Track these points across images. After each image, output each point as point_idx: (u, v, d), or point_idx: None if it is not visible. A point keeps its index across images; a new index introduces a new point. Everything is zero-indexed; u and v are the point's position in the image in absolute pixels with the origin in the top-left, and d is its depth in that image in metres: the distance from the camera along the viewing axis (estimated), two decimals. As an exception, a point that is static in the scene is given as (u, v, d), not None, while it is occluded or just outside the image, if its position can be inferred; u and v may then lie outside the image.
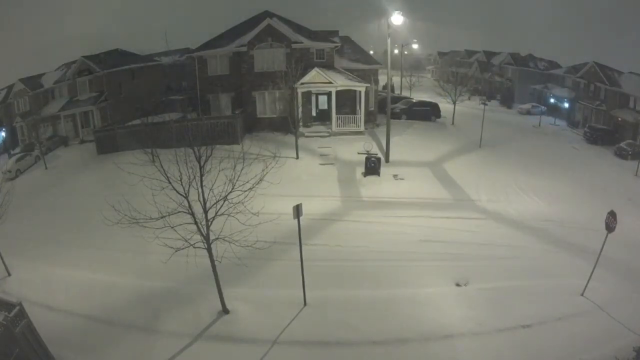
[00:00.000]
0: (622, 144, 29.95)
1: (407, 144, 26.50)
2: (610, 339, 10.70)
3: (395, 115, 31.40)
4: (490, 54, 58.82)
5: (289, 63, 26.16)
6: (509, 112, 44.36)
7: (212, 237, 10.67)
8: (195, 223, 10.35)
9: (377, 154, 22.61)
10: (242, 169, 10.64)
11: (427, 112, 33.42)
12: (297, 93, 25.88)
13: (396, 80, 47.84)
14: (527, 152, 28.02)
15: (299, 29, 28.46)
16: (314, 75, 26.37)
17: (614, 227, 12.05)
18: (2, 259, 14.04)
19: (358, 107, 27.98)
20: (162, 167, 10.21)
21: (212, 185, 10.43)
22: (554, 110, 42.06)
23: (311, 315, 11.62)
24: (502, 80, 52.69)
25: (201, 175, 10.21)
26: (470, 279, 13.38)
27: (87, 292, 12.88)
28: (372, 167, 21.59)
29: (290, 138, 24.66)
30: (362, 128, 27.63)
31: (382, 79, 37.71)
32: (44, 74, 36.64)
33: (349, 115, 27.74)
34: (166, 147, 13.71)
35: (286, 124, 24.13)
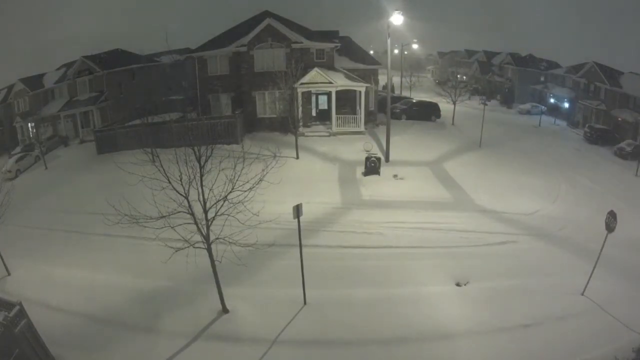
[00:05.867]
0: (622, 144, 29.98)
1: (407, 143, 26.50)
2: (611, 339, 10.70)
3: (395, 115, 31.43)
4: (490, 54, 58.86)
5: (289, 63, 26.14)
6: (509, 112, 44.35)
7: (212, 237, 10.67)
8: (195, 223, 10.35)
9: (377, 154, 22.61)
10: (242, 169, 10.63)
11: (427, 112, 33.43)
12: (297, 93, 25.87)
13: (396, 80, 47.81)
14: (527, 151, 28.03)
15: (299, 29, 28.46)
16: (314, 75, 26.37)
17: (614, 227, 12.05)
18: (2, 259, 14.03)
19: (358, 107, 27.98)
20: (162, 167, 10.20)
21: (212, 185, 10.43)
22: (554, 110, 42.07)
23: (311, 314, 11.62)
24: (502, 80, 52.70)
25: (201, 175, 10.20)
26: (470, 278, 13.38)
27: (87, 292, 12.87)
28: (372, 166, 21.60)
29: (290, 138, 24.66)
30: (362, 128, 27.64)
31: (382, 79, 37.71)
32: (44, 74, 36.68)
33: (349, 115, 27.74)
34: (166, 147, 13.70)
35: (286, 124, 24.13)
